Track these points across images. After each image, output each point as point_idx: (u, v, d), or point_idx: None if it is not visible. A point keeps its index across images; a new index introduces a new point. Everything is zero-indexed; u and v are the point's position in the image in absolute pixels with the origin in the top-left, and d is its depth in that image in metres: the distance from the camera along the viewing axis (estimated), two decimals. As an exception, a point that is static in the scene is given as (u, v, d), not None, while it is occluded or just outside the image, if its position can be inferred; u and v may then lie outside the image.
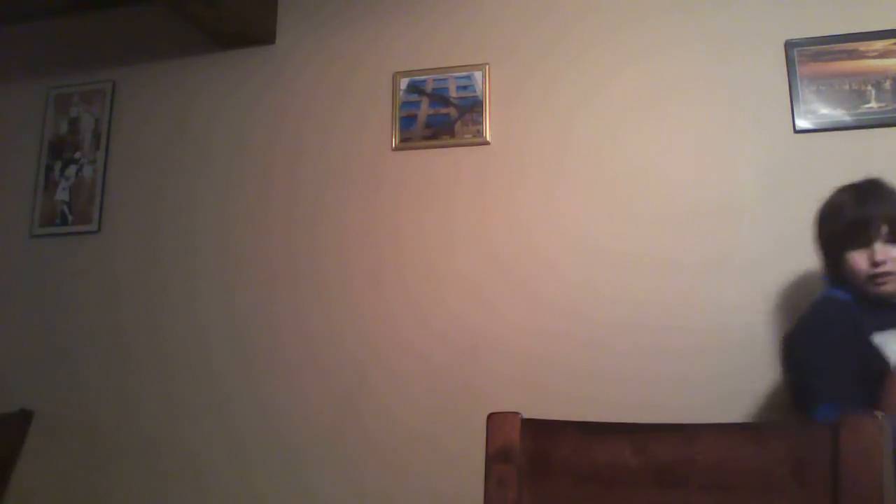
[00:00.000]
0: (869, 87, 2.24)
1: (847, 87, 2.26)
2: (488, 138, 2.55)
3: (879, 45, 2.26)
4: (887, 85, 2.23)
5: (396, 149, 2.64)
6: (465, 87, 2.62)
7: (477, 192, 2.53)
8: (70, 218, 2.95)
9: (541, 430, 1.09)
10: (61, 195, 2.97)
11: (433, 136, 2.61)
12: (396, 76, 2.69)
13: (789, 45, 2.34)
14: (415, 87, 2.67)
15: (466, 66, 2.63)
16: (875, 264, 1.75)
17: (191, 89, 2.94)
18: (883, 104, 2.22)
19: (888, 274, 1.75)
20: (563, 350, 2.33)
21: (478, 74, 2.61)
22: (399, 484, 2.39)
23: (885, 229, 1.76)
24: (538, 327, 2.38)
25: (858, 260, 1.78)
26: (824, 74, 2.29)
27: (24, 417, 2.78)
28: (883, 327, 1.76)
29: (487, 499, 1.06)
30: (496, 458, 1.08)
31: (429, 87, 2.66)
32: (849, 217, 1.81)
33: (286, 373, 2.58)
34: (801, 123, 2.28)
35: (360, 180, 2.66)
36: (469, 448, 2.32)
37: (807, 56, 2.31)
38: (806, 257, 2.08)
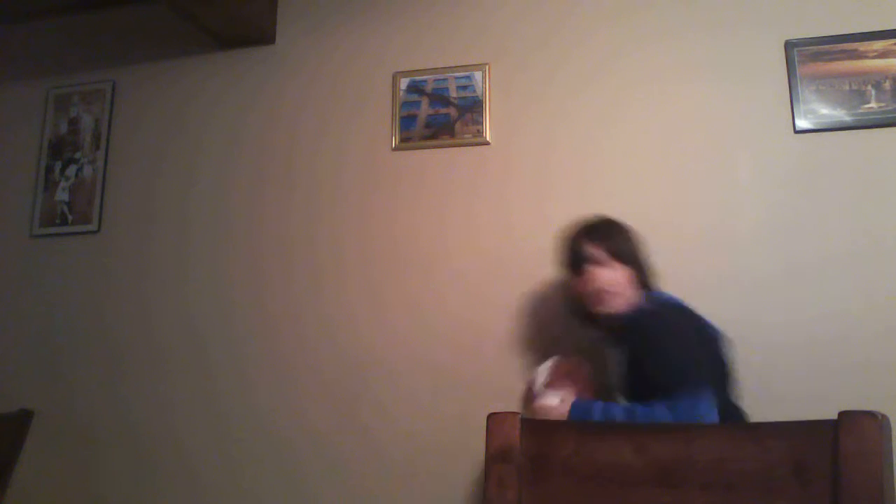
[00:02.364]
0: (869, 87, 2.24)
1: (847, 87, 2.26)
2: (488, 138, 2.55)
3: (879, 45, 2.26)
4: (887, 85, 2.23)
5: (396, 149, 2.64)
6: (465, 87, 2.61)
7: (477, 192, 2.53)
8: (70, 218, 2.94)
9: (541, 430, 1.09)
10: (61, 195, 2.97)
11: (433, 136, 2.61)
12: (396, 76, 2.69)
13: (789, 45, 2.33)
14: (415, 87, 2.67)
15: (466, 65, 2.63)
16: (591, 286, 1.96)
17: (191, 89, 2.94)
18: (883, 104, 2.22)
19: (604, 294, 1.95)
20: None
21: (478, 74, 2.61)
22: (398, 484, 2.39)
23: (594, 255, 1.97)
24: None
25: (581, 285, 2.01)
26: (824, 74, 2.29)
27: (24, 417, 2.78)
28: (613, 344, 2.02)
29: (487, 499, 1.06)
30: (496, 457, 1.08)
31: (429, 87, 2.65)
32: (570, 246, 2.04)
33: (282, 372, 2.58)
34: (801, 123, 2.28)
35: (360, 180, 2.66)
36: (468, 448, 2.33)
37: (807, 56, 2.31)
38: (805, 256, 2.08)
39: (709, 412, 1.67)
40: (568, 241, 2.06)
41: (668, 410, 1.65)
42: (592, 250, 1.98)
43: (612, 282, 1.96)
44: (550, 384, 1.94)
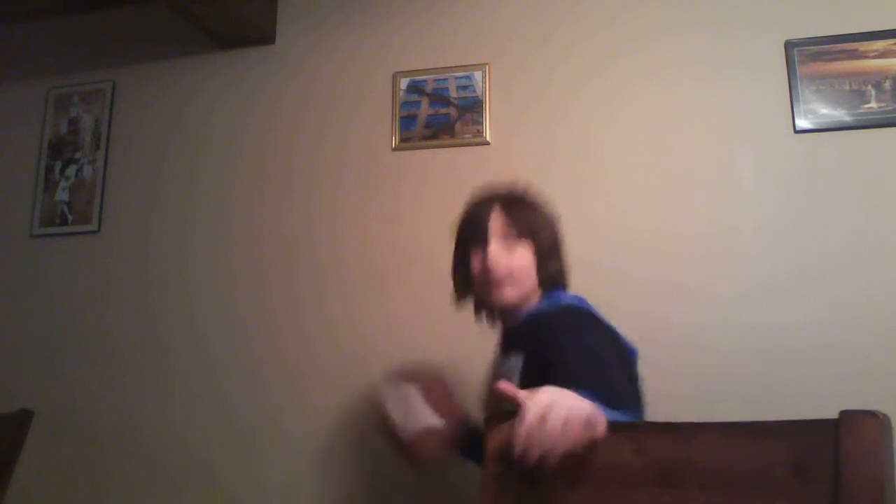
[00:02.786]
0: (869, 87, 2.24)
1: (847, 87, 2.26)
2: (488, 138, 2.55)
3: (879, 45, 2.26)
4: (887, 85, 2.23)
5: (396, 149, 2.64)
6: (465, 87, 2.61)
7: (477, 192, 2.53)
8: (70, 218, 2.94)
9: (540, 430, 1.09)
10: (61, 195, 2.97)
11: (433, 136, 2.61)
12: (396, 76, 2.69)
13: (789, 45, 2.33)
14: (415, 87, 2.67)
15: (466, 65, 2.63)
16: (487, 264, 1.60)
17: (191, 89, 2.94)
18: (883, 104, 2.22)
19: (499, 278, 1.60)
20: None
21: (478, 74, 2.61)
22: (396, 483, 2.39)
23: (507, 230, 1.62)
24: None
25: (475, 262, 1.64)
26: (824, 74, 2.28)
27: (24, 417, 2.77)
28: (506, 349, 1.66)
29: (486, 499, 1.05)
30: (494, 458, 1.08)
31: (429, 87, 2.65)
32: (472, 212, 1.69)
33: (286, 370, 2.58)
34: (801, 123, 2.28)
35: (360, 180, 2.65)
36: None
37: (807, 56, 2.31)
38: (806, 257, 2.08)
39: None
40: (474, 207, 1.70)
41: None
42: (502, 224, 1.63)
43: (518, 267, 1.61)
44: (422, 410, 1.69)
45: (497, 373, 1.66)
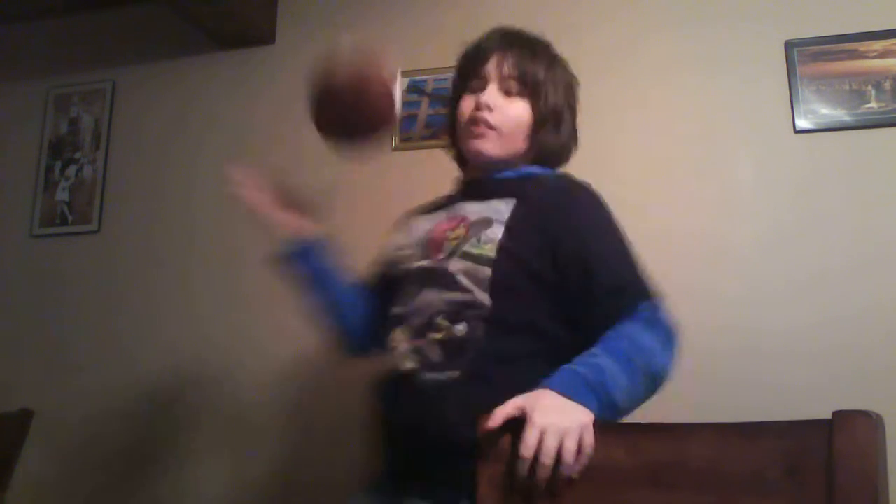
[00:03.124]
0: (869, 87, 2.24)
1: (847, 87, 2.26)
2: (488, 138, 2.54)
3: (879, 45, 2.25)
4: (887, 85, 2.22)
5: (396, 149, 2.64)
6: (464, 88, 2.61)
7: (476, 193, 2.52)
8: (70, 218, 2.94)
9: (533, 430, 1.08)
10: (61, 195, 2.97)
11: (433, 136, 2.61)
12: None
13: (789, 46, 2.33)
14: (415, 87, 2.66)
15: (466, 66, 2.63)
16: (478, 106, 1.41)
17: (191, 89, 2.94)
18: (883, 104, 2.21)
19: (488, 126, 1.40)
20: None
21: (478, 74, 2.60)
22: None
23: (507, 77, 1.42)
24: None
25: (466, 104, 1.45)
26: (824, 74, 2.28)
27: (24, 417, 2.78)
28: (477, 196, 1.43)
29: (479, 499, 1.05)
30: (487, 458, 1.07)
31: (429, 87, 2.65)
32: (473, 50, 1.49)
33: (290, 369, 2.57)
34: (801, 123, 2.28)
35: (360, 180, 2.65)
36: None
37: (807, 56, 2.30)
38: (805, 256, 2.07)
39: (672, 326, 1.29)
40: (476, 45, 1.51)
41: (650, 331, 1.24)
42: (504, 70, 1.43)
43: (511, 120, 1.42)
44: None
45: (455, 216, 1.43)
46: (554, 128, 1.47)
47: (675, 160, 2.37)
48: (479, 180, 1.48)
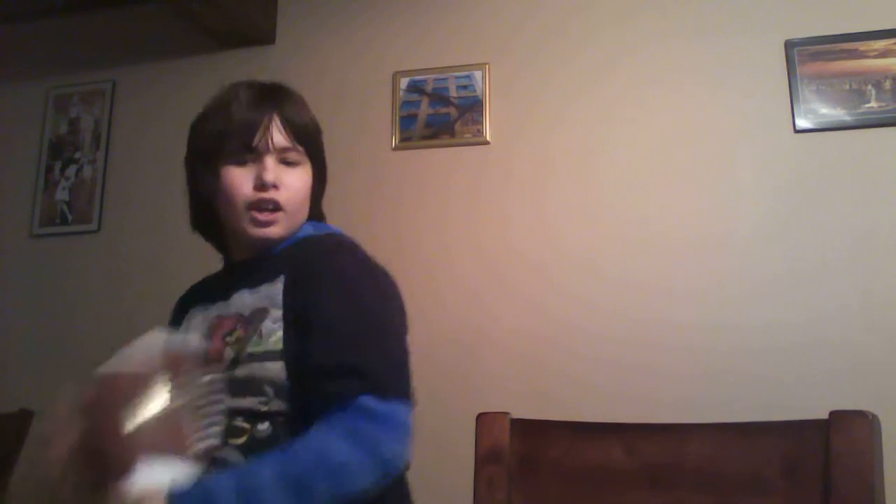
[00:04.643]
0: (869, 87, 2.23)
1: (847, 86, 2.25)
2: (488, 138, 2.54)
3: (879, 45, 2.25)
4: (887, 85, 2.22)
5: (396, 148, 2.64)
6: (465, 87, 2.61)
7: (477, 192, 2.52)
8: (70, 217, 2.94)
9: (531, 430, 1.09)
10: (61, 195, 2.97)
11: (433, 136, 2.61)
12: (396, 76, 2.68)
13: (789, 45, 2.33)
14: (415, 87, 2.66)
15: (466, 65, 2.63)
16: (261, 187, 1.19)
17: (190, 89, 2.93)
18: (883, 104, 2.21)
19: (276, 208, 1.21)
20: (562, 355, 2.31)
21: (478, 74, 2.60)
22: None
23: (285, 140, 1.22)
24: (536, 329, 2.37)
25: (239, 179, 1.21)
26: (824, 74, 2.28)
27: (24, 417, 2.77)
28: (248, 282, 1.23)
29: (477, 499, 1.05)
30: (486, 458, 1.07)
31: (429, 87, 2.65)
32: (239, 114, 1.23)
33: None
34: (801, 123, 2.27)
35: (360, 180, 2.65)
36: (462, 448, 2.32)
37: (807, 56, 2.30)
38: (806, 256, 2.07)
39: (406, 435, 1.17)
40: (240, 108, 1.25)
41: (351, 443, 1.06)
42: (283, 137, 1.22)
43: (297, 193, 1.24)
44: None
45: (235, 312, 1.24)
46: (324, 182, 1.37)
47: (675, 159, 2.37)
48: (251, 262, 1.30)
